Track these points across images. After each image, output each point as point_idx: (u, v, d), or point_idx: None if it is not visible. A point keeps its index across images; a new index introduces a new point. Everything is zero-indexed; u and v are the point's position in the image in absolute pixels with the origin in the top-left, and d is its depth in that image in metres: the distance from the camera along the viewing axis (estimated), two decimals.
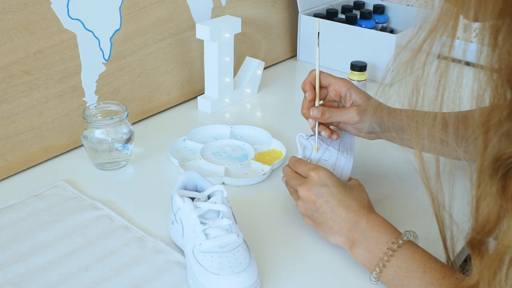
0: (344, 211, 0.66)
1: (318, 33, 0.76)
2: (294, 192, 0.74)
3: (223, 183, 0.84)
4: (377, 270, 0.62)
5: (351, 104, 0.77)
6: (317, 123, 0.77)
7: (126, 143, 0.87)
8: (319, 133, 0.78)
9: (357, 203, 0.67)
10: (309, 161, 0.76)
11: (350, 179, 0.75)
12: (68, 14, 0.86)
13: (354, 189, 0.70)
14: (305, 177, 0.71)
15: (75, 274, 0.65)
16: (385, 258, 0.61)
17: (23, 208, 0.77)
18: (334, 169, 0.75)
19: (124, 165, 0.89)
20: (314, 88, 0.77)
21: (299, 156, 0.77)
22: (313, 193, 0.68)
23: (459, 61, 0.48)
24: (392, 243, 0.62)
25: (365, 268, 0.65)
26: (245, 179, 0.84)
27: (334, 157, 0.76)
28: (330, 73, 0.79)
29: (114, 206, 0.78)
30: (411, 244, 0.62)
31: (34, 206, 0.77)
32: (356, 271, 0.66)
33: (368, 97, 0.77)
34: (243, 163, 0.88)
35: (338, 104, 0.80)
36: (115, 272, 0.65)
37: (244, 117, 1.07)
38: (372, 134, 0.80)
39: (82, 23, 0.88)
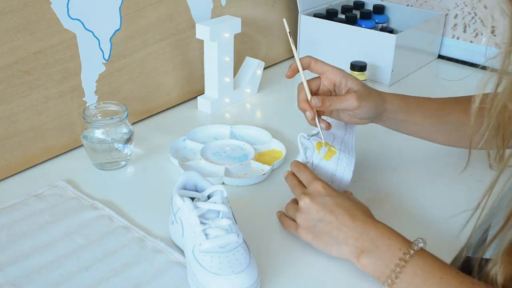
0: (350, 220, 0.65)
1: (289, 32, 0.78)
2: (291, 207, 0.73)
3: (223, 183, 0.84)
4: (393, 276, 0.60)
5: (347, 91, 0.76)
6: (316, 116, 0.76)
7: (126, 143, 0.87)
8: (316, 125, 0.77)
9: (362, 212, 0.66)
10: (311, 160, 0.76)
11: (345, 192, 0.74)
12: (68, 14, 0.86)
13: (354, 199, 0.70)
14: (305, 186, 0.71)
15: (75, 274, 0.65)
16: (402, 263, 0.60)
17: (23, 208, 0.77)
18: (336, 169, 0.75)
19: (124, 165, 0.89)
20: (311, 107, 0.76)
21: (300, 158, 0.77)
22: (316, 203, 0.67)
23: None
24: (407, 249, 0.61)
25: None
26: (245, 179, 0.84)
27: (336, 157, 0.76)
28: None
29: (114, 206, 0.78)
30: (424, 251, 0.61)
31: (34, 206, 0.77)
32: (356, 270, 0.66)
33: (364, 84, 0.77)
34: (243, 163, 0.88)
35: (331, 93, 0.79)
36: (115, 272, 0.65)
37: (244, 117, 1.07)
38: (365, 120, 0.79)
39: (82, 23, 0.88)
